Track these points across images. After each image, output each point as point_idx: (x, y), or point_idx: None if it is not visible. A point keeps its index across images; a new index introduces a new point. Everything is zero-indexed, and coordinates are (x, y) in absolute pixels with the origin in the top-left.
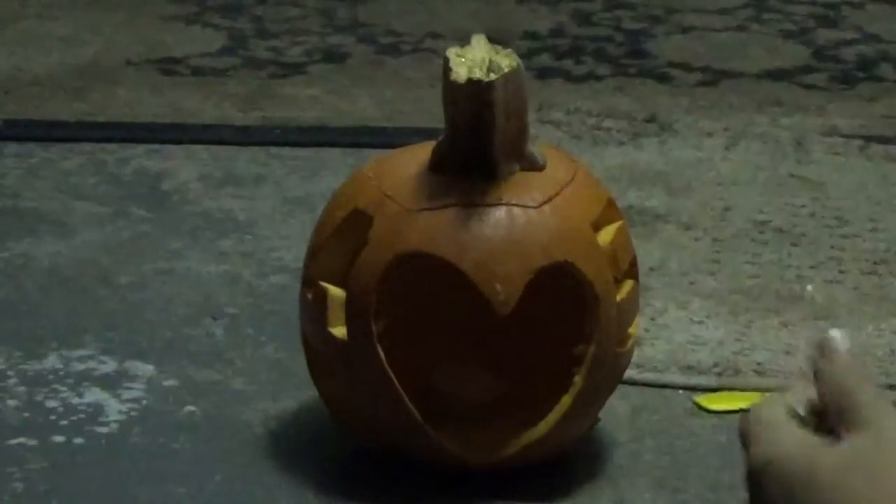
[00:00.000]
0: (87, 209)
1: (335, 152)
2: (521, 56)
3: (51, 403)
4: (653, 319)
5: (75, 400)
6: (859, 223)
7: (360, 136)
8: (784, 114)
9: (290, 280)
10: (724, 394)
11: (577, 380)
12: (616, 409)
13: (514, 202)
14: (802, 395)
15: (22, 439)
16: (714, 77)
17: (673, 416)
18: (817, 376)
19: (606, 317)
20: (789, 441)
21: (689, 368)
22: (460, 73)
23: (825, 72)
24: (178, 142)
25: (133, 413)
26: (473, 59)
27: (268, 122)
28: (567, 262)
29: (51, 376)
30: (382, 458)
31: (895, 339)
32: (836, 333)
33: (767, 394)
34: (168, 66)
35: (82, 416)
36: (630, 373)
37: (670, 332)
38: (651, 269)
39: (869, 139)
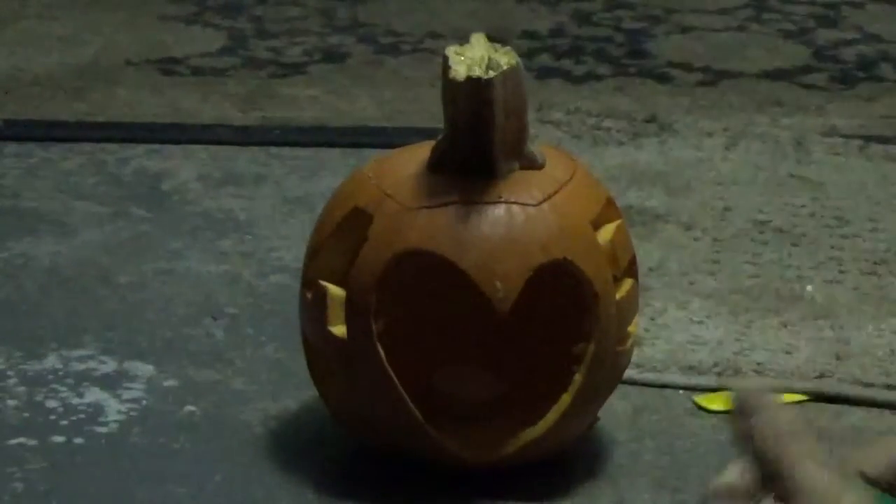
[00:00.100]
0: (87, 209)
1: (335, 152)
2: (521, 56)
3: (51, 403)
4: (653, 319)
5: (75, 400)
6: (859, 223)
7: (359, 136)
8: (784, 114)
9: (290, 280)
10: (724, 394)
11: (577, 378)
12: (616, 409)
13: (513, 200)
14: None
15: (22, 439)
16: (714, 77)
17: (673, 416)
18: (748, 439)
19: (606, 315)
20: None
21: (689, 368)
22: (459, 71)
23: (825, 72)
24: (178, 142)
25: (133, 413)
26: (472, 58)
27: (268, 122)
28: (566, 260)
29: (51, 376)
30: (382, 458)
31: (895, 339)
32: (754, 386)
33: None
34: (168, 66)
35: (82, 416)
36: (630, 373)
37: (670, 332)
38: (651, 269)
39: (869, 139)
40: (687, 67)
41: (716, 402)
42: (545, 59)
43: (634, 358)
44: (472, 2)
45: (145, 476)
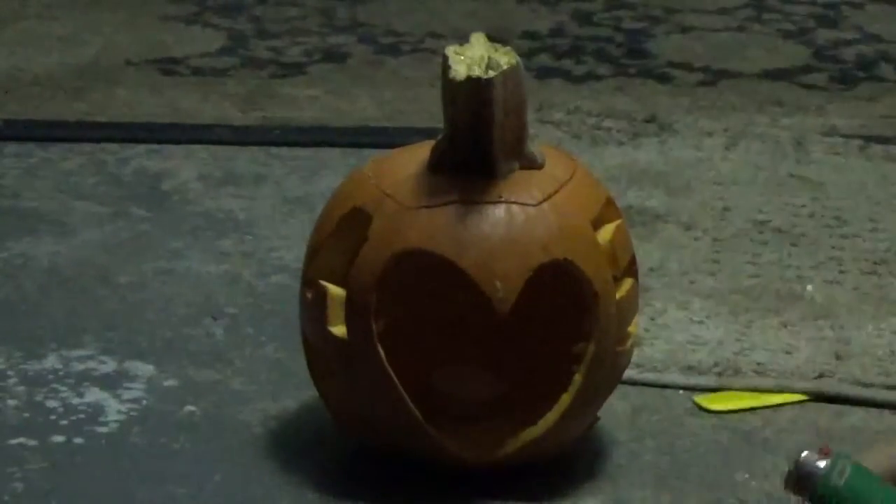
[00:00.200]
0: (87, 209)
1: (335, 152)
2: (521, 56)
3: (51, 403)
4: (653, 319)
5: (75, 400)
6: (859, 223)
7: (360, 136)
8: (784, 114)
9: (290, 280)
10: (724, 394)
11: (577, 378)
12: (616, 409)
13: (513, 200)
14: None
15: (22, 439)
16: (714, 77)
17: (673, 416)
18: None
19: (606, 315)
20: None
21: (689, 368)
22: (459, 70)
23: (825, 72)
24: (178, 142)
25: (133, 413)
26: (472, 57)
27: (268, 122)
28: (566, 260)
29: (51, 376)
30: (382, 458)
31: (895, 339)
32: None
33: None
34: (168, 66)
35: (82, 416)
36: (630, 373)
37: (670, 332)
38: (651, 269)
39: (869, 139)
40: (687, 67)
41: (716, 402)
42: (545, 59)
43: (634, 358)
44: (472, 2)
45: (145, 476)
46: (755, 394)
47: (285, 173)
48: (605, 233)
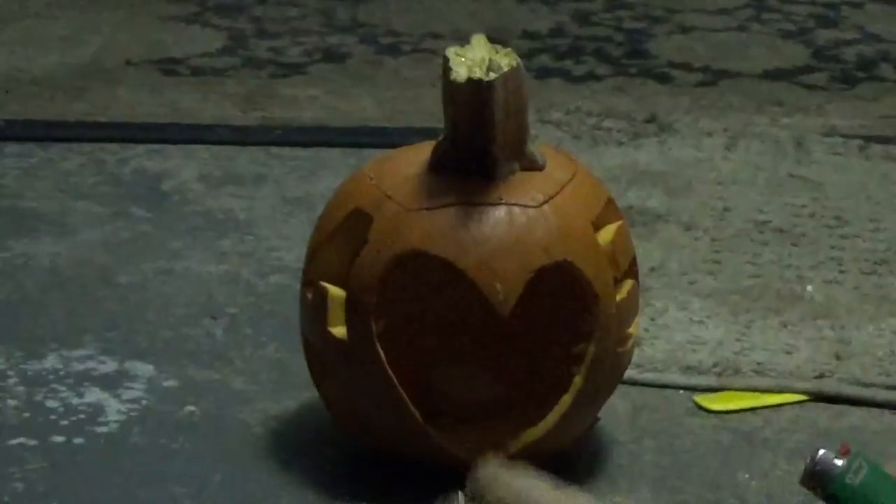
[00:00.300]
0: (87, 209)
1: (335, 152)
2: (521, 56)
3: (51, 403)
4: (653, 319)
5: (75, 400)
6: (859, 223)
7: (360, 136)
8: (784, 114)
9: (290, 280)
10: (724, 394)
11: (577, 379)
12: (616, 409)
13: (514, 202)
14: None
15: (22, 439)
16: (714, 77)
17: (673, 416)
18: None
19: (606, 316)
20: None
21: (689, 368)
22: (460, 72)
23: (825, 72)
24: (178, 142)
25: (133, 413)
26: (473, 59)
27: (268, 122)
28: (567, 262)
29: (51, 376)
30: (382, 459)
31: (895, 339)
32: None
33: None
34: (168, 66)
35: (82, 416)
36: (630, 373)
37: (670, 332)
38: (651, 269)
39: (869, 139)
40: (687, 67)
41: (716, 402)
42: (545, 59)
43: (634, 358)
44: (472, 2)
45: (145, 476)
46: (755, 394)
47: (285, 173)
48: (606, 234)
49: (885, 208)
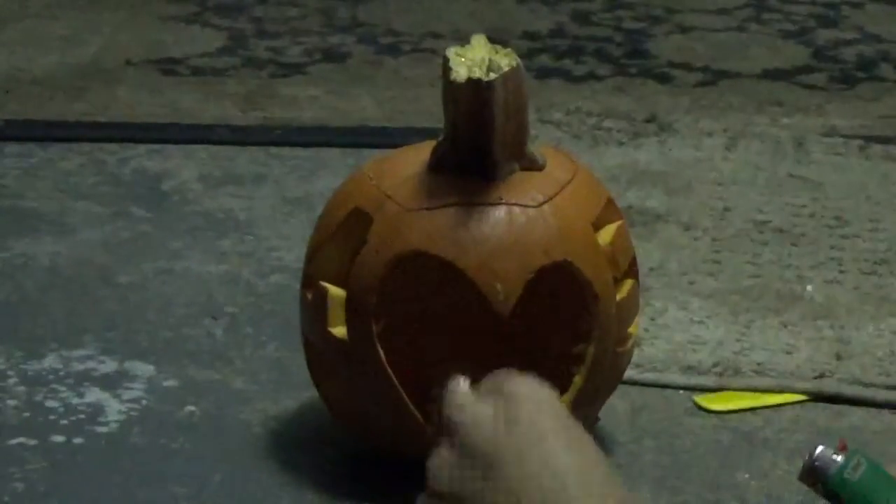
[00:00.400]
0: (87, 209)
1: (335, 152)
2: (521, 56)
3: (51, 403)
4: (653, 319)
5: (75, 400)
6: (859, 223)
7: (360, 136)
8: (784, 114)
9: (290, 280)
10: (724, 394)
11: (577, 379)
12: (616, 409)
13: (513, 202)
14: None
15: (22, 439)
16: (714, 77)
17: (673, 416)
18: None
19: (606, 316)
20: None
21: (689, 368)
22: (460, 72)
23: (825, 72)
24: (178, 142)
25: (133, 413)
26: (473, 59)
27: (268, 122)
28: (567, 262)
29: (51, 376)
30: (382, 459)
31: (895, 339)
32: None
33: None
34: (168, 66)
35: (82, 416)
36: (630, 373)
37: (670, 332)
38: (651, 269)
39: (869, 139)
40: (687, 67)
41: (716, 402)
42: (545, 59)
43: (634, 358)
44: (472, 2)
45: (145, 476)
46: (755, 394)
47: (285, 173)
48: (606, 234)
49: (885, 208)
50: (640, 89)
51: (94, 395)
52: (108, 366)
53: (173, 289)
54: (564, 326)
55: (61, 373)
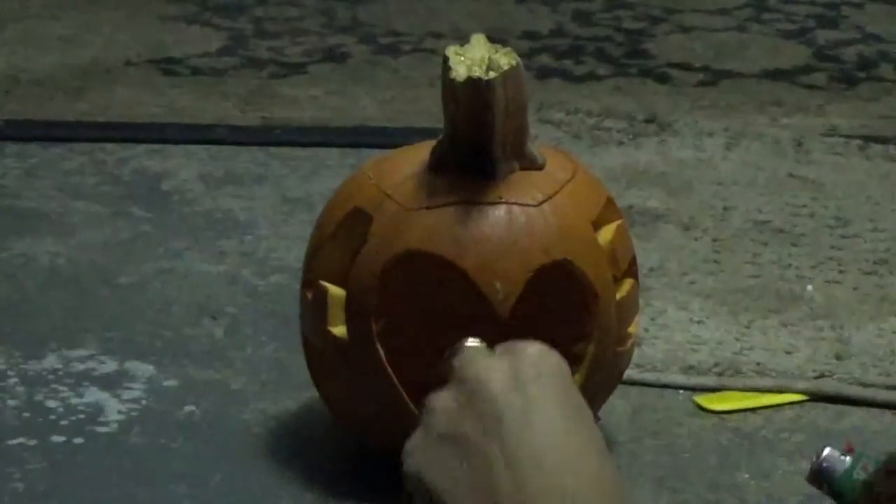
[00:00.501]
0: (87, 209)
1: (335, 152)
2: (521, 56)
3: (51, 403)
4: (653, 319)
5: (75, 400)
6: (859, 223)
7: (360, 136)
8: (784, 114)
9: (290, 280)
10: (724, 394)
11: (577, 378)
12: (616, 409)
13: (513, 201)
14: None
15: (22, 439)
16: (714, 77)
17: (673, 416)
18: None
19: (606, 315)
20: None
21: (689, 368)
22: (460, 71)
23: (825, 72)
24: (178, 142)
25: (133, 413)
26: (473, 58)
27: (268, 122)
28: (567, 261)
29: (51, 376)
30: (382, 458)
31: (895, 339)
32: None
33: None
34: (168, 66)
35: (82, 416)
36: (630, 373)
37: (670, 332)
38: (651, 269)
39: (869, 139)
40: (687, 67)
41: (716, 402)
42: (545, 59)
43: (634, 358)
44: (472, 2)
45: (145, 476)
46: (755, 394)
47: (285, 173)
48: (606, 233)
49: (885, 208)
50: (640, 89)
51: (94, 395)
52: (108, 366)
53: (173, 289)
54: (564, 325)
55: (61, 373)
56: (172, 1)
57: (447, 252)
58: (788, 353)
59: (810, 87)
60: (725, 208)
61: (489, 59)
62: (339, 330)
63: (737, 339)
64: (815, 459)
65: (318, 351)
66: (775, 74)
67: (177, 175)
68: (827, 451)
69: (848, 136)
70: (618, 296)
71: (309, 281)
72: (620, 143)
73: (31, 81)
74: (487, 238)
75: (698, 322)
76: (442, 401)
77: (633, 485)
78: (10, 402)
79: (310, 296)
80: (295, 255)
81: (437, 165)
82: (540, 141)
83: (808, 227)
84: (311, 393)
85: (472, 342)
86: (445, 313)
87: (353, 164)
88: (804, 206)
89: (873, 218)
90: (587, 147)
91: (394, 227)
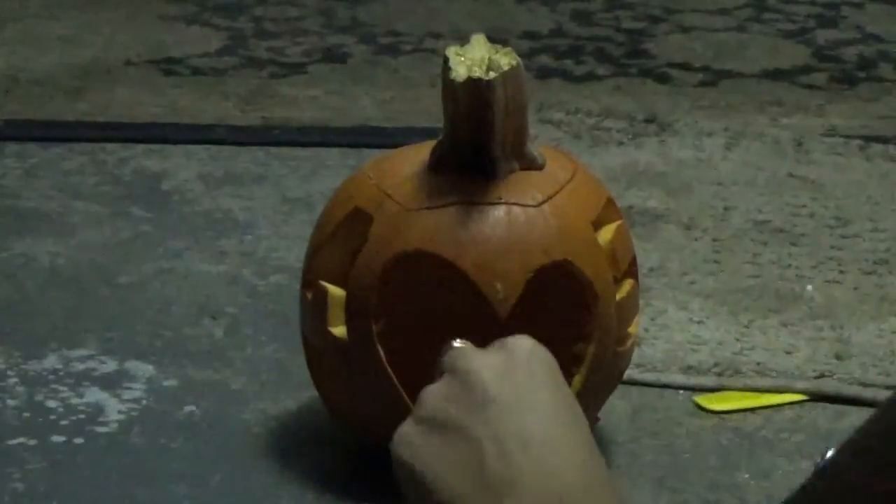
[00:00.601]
0: (87, 209)
1: (335, 152)
2: (521, 56)
3: (51, 403)
4: (653, 319)
5: (75, 400)
6: (859, 223)
7: (360, 136)
8: (784, 114)
9: (290, 280)
10: (724, 394)
11: (577, 379)
12: (616, 409)
13: (513, 201)
14: None
15: (22, 439)
16: (714, 77)
17: (673, 416)
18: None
19: (606, 315)
20: None
21: (689, 368)
22: (460, 71)
23: (825, 72)
24: (178, 142)
25: (133, 413)
26: (473, 58)
27: (268, 122)
28: (567, 261)
29: (51, 376)
30: (383, 458)
31: (895, 339)
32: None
33: None
34: (168, 66)
35: (82, 416)
36: (630, 373)
37: (670, 332)
38: (651, 269)
39: (869, 139)
40: (687, 67)
41: (716, 402)
42: (545, 59)
43: (634, 358)
44: (472, 2)
45: (145, 476)
46: (755, 394)
47: (285, 173)
48: (606, 233)
49: (885, 208)
50: (640, 89)
51: (94, 395)
52: (108, 366)
53: (173, 289)
54: (564, 326)
55: (61, 373)
56: (172, 1)
57: (447, 252)
58: (788, 353)
59: (810, 87)
60: (725, 208)
61: (489, 59)
62: (339, 330)
63: (737, 339)
64: (818, 460)
65: (318, 351)
66: (775, 74)
67: (177, 175)
68: (831, 452)
69: (848, 136)
70: (618, 296)
71: (309, 281)
72: (620, 143)
73: (30, 81)
74: (487, 238)
75: (698, 322)
76: (432, 391)
77: (633, 485)
78: (10, 402)
79: (310, 296)
80: (295, 255)
81: (437, 165)
82: (540, 141)
83: (808, 227)
84: (311, 393)
85: (459, 343)
86: (445, 313)
87: (353, 164)
88: (804, 206)
89: (873, 218)
90: (587, 147)
91: (394, 228)
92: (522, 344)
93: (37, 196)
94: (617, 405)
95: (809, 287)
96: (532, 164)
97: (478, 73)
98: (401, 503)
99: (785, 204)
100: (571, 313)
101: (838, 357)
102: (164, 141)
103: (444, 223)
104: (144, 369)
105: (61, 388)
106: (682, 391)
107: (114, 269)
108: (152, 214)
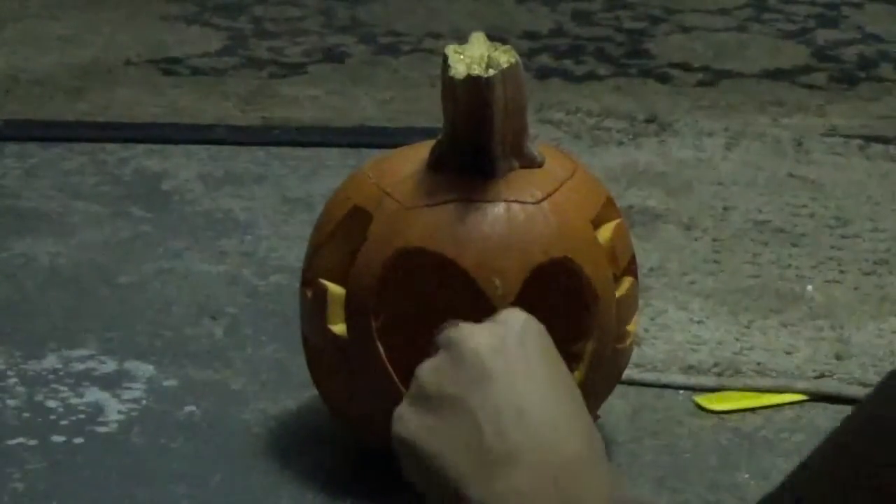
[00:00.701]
0: (87, 209)
1: (335, 152)
2: (521, 56)
3: (51, 403)
4: (653, 319)
5: (75, 400)
6: (859, 223)
7: (360, 136)
8: (784, 114)
9: (290, 280)
10: (724, 394)
11: (576, 376)
12: (616, 409)
13: (513, 199)
14: None
15: (22, 439)
16: (714, 77)
17: (673, 416)
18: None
19: (605, 313)
20: None
21: (689, 368)
22: (459, 69)
23: (825, 72)
24: (178, 142)
25: (133, 413)
26: (472, 56)
27: (268, 122)
28: (566, 259)
29: (51, 376)
30: (382, 458)
31: (895, 339)
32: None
33: None
34: (168, 66)
35: (82, 416)
36: (630, 373)
37: (670, 332)
38: (651, 269)
39: (869, 139)
40: (687, 67)
41: (716, 402)
42: (545, 59)
43: (634, 358)
44: (472, 2)
45: (145, 476)
46: (755, 394)
47: (285, 173)
48: (605, 231)
49: (885, 208)
50: (640, 89)
51: (94, 395)
52: (108, 366)
53: (173, 289)
54: (563, 323)
55: (61, 373)
56: (172, 1)
57: (447, 250)
58: (788, 353)
59: (810, 87)
60: (725, 208)
61: (488, 56)
62: (339, 328)
63: (737, 339)
64: None
65: (318, 349)
66: (775, 74)
67: (177, 175)
68: None
69: (848, 136)
70: (617, 294)
71: (309, 279)
72: (620, 143)
73: (30, 81)
74: (487, 236)
75: (698, 322)
76: (428, 366)
77: (633, 485)
78: (10, 402)
79: (310, 294)
80: (295, 255)
81: (437, 164)
82: (540, 141)
83: (808, 227)
84: (311, 393)
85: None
86: (445, 311)
87: (353, 164)
88: (804, 206)
89: (873, 218)
90: (587, 147)
91: (393, 226)
92: (516, 317)
93: (37, 196)
94: (617, 405)
95: (809, 287)
96: (531, 162)
97: (477, 70)
98: (400, 503)
99: (785, 204)
100: (571, 311)
101: (838, 357)
102: (165, 141)
103: (444, 221)
104: (144, 369)
105: (61, 388)
106: (682, 391)
107: (114, 269)
108: (152, 214)
